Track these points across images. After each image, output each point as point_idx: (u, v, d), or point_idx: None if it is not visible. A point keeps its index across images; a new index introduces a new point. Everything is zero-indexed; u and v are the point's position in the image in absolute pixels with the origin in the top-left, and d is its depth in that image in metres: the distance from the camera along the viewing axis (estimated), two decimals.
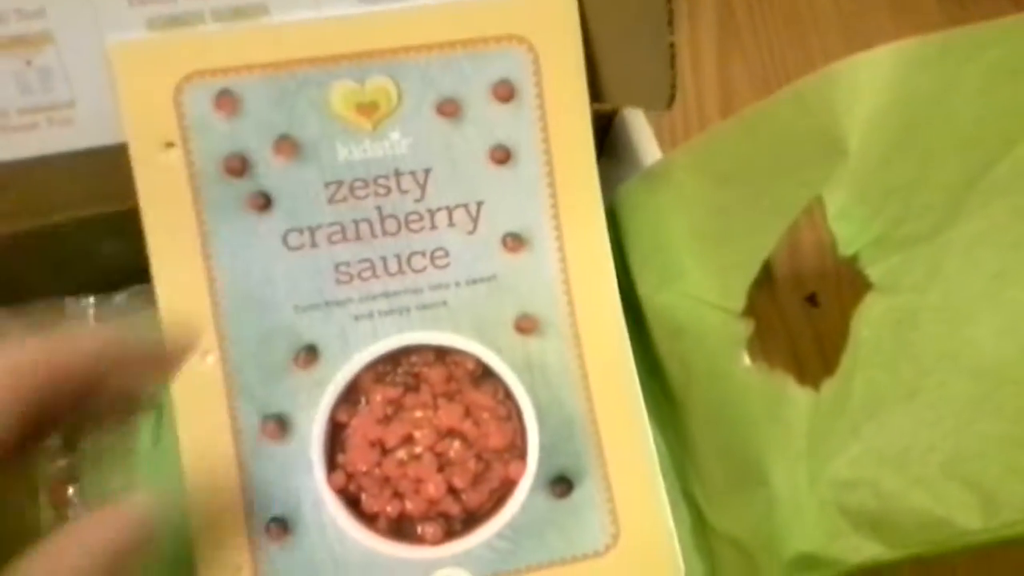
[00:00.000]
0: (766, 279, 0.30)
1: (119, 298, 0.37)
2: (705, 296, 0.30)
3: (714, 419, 0.31)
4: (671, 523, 0.33)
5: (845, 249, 0.27)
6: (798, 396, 0.27)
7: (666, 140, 0.38)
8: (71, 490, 0.35)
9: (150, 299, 0.36)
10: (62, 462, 0.36)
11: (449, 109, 0.32)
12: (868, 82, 0.26)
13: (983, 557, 0.37)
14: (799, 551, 0.27)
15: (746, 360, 0.29)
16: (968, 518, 0.24)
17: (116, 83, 0.30)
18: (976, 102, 0.25)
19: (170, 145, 0.30)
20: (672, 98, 0.30)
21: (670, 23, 0.29)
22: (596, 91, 0.32)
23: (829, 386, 0.27)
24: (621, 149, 0.35)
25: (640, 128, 0.34)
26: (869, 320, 0.27)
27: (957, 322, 0.26)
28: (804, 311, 0.41)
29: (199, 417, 0.31)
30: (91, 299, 0.36)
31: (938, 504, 0.25)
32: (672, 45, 0.29)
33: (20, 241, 0.33)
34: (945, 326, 0.26)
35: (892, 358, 0.26)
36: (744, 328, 0.29)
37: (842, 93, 0.26)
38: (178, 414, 0.31)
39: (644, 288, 0.34)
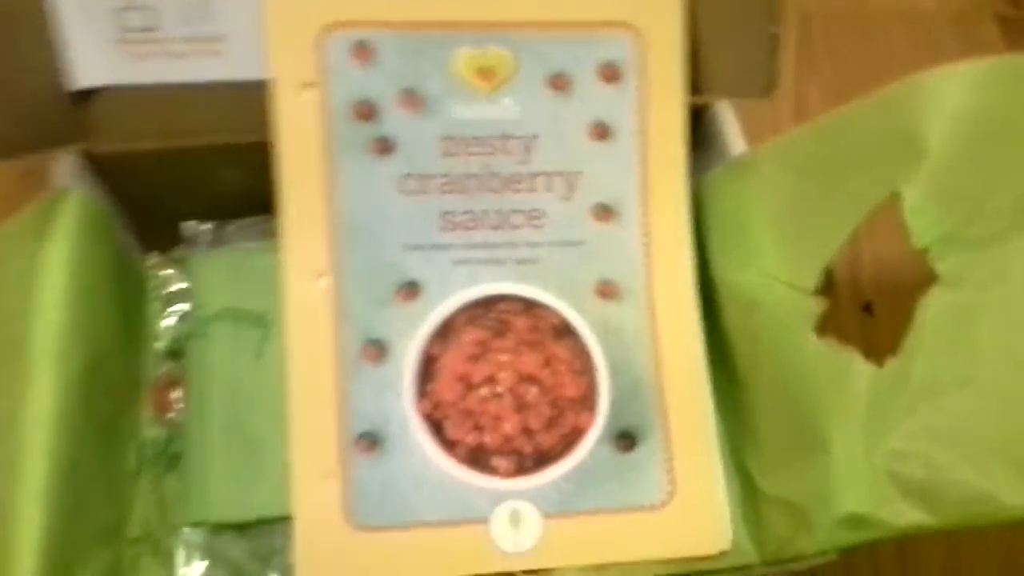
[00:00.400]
0: (827, 285, 0.32)
1: (232, 227, 0.40)
2: (781, 276, 0.33)
3: (780, 389, 0.33)
4: (723, 485, 0.35)
5: (917, 242, 0.29)
6: (862, 370, 0.30)
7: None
8: (174, 394, 0.38)
9: (262, 231, 0.39)
10: (166, 367, 0.39)
11: (559, 83, 0.35)
12: (951, 92, 0.28)
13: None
14: (850, 511, 0.29)
15: (814, 335, 0.31)
16: (1012, 494, 0.27)
17: (267, 23, 0.33)
18: None
19: (308, 85, 0.34)
20: (773, 87, 0.33)
21: (775, 15, 0.32)
22: (696, 82, 0.35)
23: (891, 364, 0.29)
24: (710, 141, 0.37)
25: (729, 122, 0.37)
26: (933, 309, 0.29)
27: (1014, 321, 0.28)
28: (860, 319, 0.43)
29: (308, 333, 0.34)
30: (209, 225, 0.39)
31: (984, 479, 0.27)
32: (776, 36, 0.32)
33: (153, 160, 0.36)
34: (1003, 323, 0.28)
35: (951, 346, 0.29)
36: (815, 305, 0.31)
37: (927, 100, 0.29)
38: (289, 329, 0.34)
39: (721, 269, 0.36)
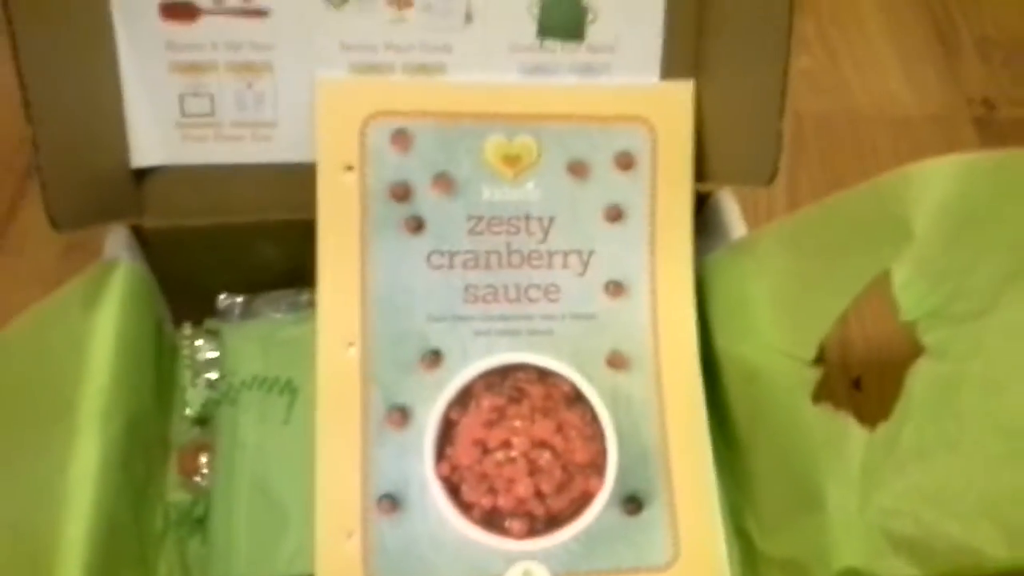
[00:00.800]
0: (819, 362, 0.35)
1: (261, 300, 0.42)
2: (780, 346, 0.35)
3: (779, 453, 0.35)
4: (724, 548, 0.37)
5: (905, 315, 0.31)
6: (856, 434, 0.32)
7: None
8: (201, 459, 0.40)
9: (291, 303, 0.42)
10: (194, 432, 0.41)
11: (578, 169, 0.38)
12: (936, 182, 0.31)
13: None
14: (847, 565, 0.31)
15: (810, 401, 0.34)
16: (995, 549, 0.29)
17: (317, 111, 0.36)
18: (1022, 211, 0.31)
19: (350, 168, 0.37)
20: (774, 175, 0.36)
21: (781, 112, 0.35)
22: (705, 170, 0.39)
23: (883, 429, 0.32)
24: (713, 225, 0.41)
25: (731, 208, 0.40)
26: (920, 379, 0.31)
27: (994, 390, 0.30)
28: (849, 393, 0.46)
29: (337, 399, 0.36)
30: (241, 298, 0.42)
31: (970, 535, 0.29)
32: (780, 131, 0.35)
33: (197, 235, 0.39)
34: (984, 392, 0.30)
35: (937, 413, 0.31)
36: (813, 374, 0.34)
37: (914, 188, 0.31)
38: (320, 393, 0.36)
39: (723, 341, 0.39)
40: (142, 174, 0.37)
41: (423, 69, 0.37)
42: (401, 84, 0.37)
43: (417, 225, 0.37)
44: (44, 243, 0.51)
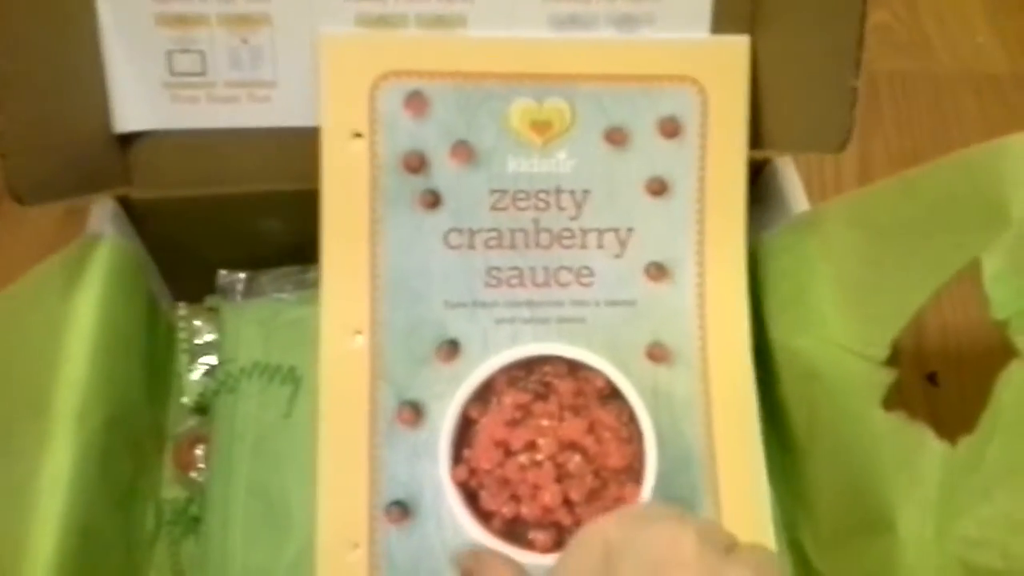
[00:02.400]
0: (892, 363, 0.31)
1: (266, 277, 0.38)
2: (847, 343, 0.31)
3: (841, 463, 0.32)
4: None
5: (997, 313, 0.28)
6: (933, 448, 0.28)
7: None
8: (198, 451, 0.36)
9: (297, 281, 0.38)
10: (191, 423, 0.38)
11: (617, 137, 0.34)
12: None
13: None
14: None
15: (881, 408, 0.30)
16: None
17: (320, 71, 0.32)
18: None
19: (358, 135, 0.33)
20: (847, 142, 0.32)
21: (857, 67, 0.31)
22: (763, 135, 0.34)
23: (965, 443, 0.28)
24: (769, 198, 0.36)
25: (790, 179, 0.36)
26: (1012, 387, 0.27)
27: None
28: (923, 389, 0.42)
29: (342, 392, 0.32)
30: (243, 275, 0.38)
31: None
32: (855, 89, 0.31)
33: (192, 207, 0.35)
34: None
35: None
36: (885, 376, 0.30)
37: (1011, 165, 0.27)
38: (323, 387, 0.32)
39: (778, 332, 0.35)
40: (127, 140, 0.34)
41: (440, 21, 0.33)
42: (415, 39, 0.33)
43: (433, 200, 0.33)
44: (45, 211, 0.48)
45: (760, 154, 0.35)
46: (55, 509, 0.29)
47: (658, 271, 0.34)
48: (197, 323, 0.39)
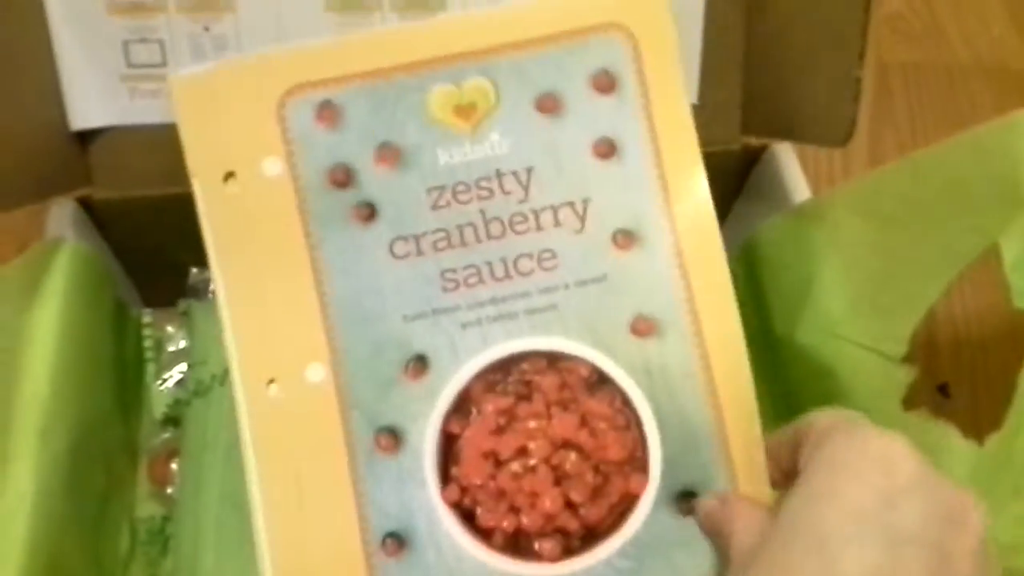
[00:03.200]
0: (908, 360, 0.28)
1: None
2: (858, 339, 0.29)
3: None
4: None
5: (1018, 300, 0.25)
6: (961, 448, 0.26)
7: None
8: (173, 464, 0.35)
9: None
10: (165, 435, 0.37)
11: (548, 105, 0.31)
12: None
13: None
14: None
15: (900, 407, 0.27)
16: None
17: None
18: None
19: (272, 159, 0.31)
20: (850, 135, 0.29)
21: (861, 56, 0.28)
22: (765, 124, 0.31)
23: (994, 442, 0.25)
24: (766, 187, 0.34)
25: (790, 165, 0.33)
26: None
27: None
28: (934, 400, 0.39)
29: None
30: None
31: None
32: (859, 80, 0.28)
33: (157, 207, 0.34)
34: None
35: None
36: (904, 374, 0.27)
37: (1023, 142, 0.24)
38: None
39: (783, 328, 0.32)
40: (86, 138, 0.32)
41: (415, 4, 0.30)
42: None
43: (369, 212, 0.31)
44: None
45: (757, 141, 0.32)
46: (18, 535, 0.27)
47: (626, 238, 0.31)
48: (170, 329, 0.38)
